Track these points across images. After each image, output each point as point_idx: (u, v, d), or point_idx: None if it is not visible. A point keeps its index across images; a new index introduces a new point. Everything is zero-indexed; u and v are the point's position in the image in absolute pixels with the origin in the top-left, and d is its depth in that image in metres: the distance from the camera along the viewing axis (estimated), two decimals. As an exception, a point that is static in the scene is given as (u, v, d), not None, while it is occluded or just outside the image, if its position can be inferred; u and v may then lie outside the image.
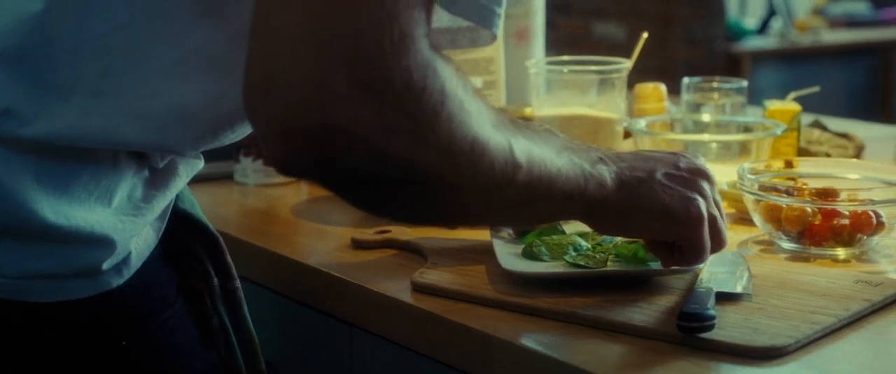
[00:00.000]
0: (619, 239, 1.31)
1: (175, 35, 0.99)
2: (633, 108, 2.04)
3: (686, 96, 2.02)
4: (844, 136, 2.05)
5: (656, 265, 1.26)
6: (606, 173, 1.11)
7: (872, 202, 1.43)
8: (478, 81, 1.97)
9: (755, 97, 5.82)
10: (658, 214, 1.14)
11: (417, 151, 0.89)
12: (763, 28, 6.21)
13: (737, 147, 1.77)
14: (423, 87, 0.87)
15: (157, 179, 1.11)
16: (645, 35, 1.88)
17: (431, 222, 1.27)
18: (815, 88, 2.04)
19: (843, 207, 1.43)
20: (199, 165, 1.17)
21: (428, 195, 0.95)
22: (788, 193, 1.45)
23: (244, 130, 1.12)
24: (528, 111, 1.86)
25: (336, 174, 0.89)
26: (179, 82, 1.01)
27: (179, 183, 1.14)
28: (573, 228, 1.34)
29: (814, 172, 1.60)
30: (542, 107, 1.77)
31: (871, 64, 6.22)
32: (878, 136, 2.28)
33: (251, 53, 0.87)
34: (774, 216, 1.45)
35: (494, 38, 1.03)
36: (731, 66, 5.88)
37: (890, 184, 1.50)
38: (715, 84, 2.02)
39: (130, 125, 1.03)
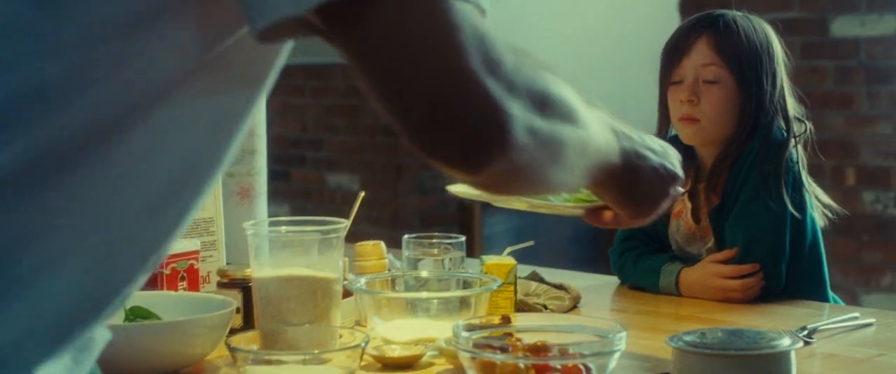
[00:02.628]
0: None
1: None
2: (354, 265, 2.05)
3: (406, 252, 2.05)
4: (561, 287, 2.11)
5: None
6: (618, 148, 1.31)
7: (582, 356, 1.47)
8: (197, 243, 1.95)
9: (487, 245, 5.94)
10: (638, 198, 1.41)
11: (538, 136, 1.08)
12: (492, 177, 6.38)
13: (456, 302, 1.80)
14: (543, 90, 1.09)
15: None
16: (361, 194, 1.90)
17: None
18: (530, 243, 2.11)
19: (555, 361, 1.46)
20: None
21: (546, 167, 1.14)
22: (503, 349, 1.48)
23: None
24: (247, 272, 1.85)
25: (483, 164, 1.05)
26: None
27: None
28: None
29: (529, 326, 1.64)
30: (263, 268, 1.76)
31: (595, 210, 6.45)
32: (596, 285, 2.35)
33: (421, 112, 1.01)
34: (489, 372, 1.47)
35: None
36: (463, 214, 6.00)
37: (600, 336, 1.55)
38: (434, 240, 2.06)
39: None
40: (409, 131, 1.02)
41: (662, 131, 2.33)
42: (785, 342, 1.44)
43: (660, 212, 1.46)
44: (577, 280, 2.26)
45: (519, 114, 1.04)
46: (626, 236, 2.37)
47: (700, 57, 2.23)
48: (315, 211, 5.43)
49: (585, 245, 6.34)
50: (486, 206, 6.09)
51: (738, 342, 1.44)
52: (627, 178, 1.35)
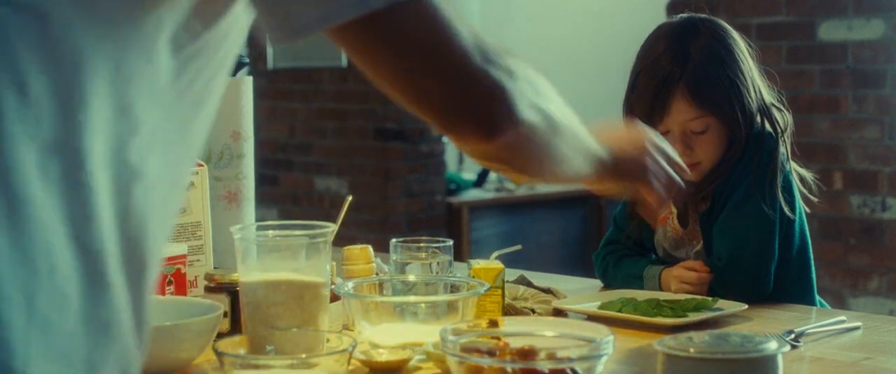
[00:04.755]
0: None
1: None
2: (342, 269, 2.05)
3: (393, 256, 2.05)
4: (548, 291, 2.11)
5: None
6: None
7: (570, 360, 1.47)
8: (184, 247, 1.95)
9: (475, 249, 5.93)
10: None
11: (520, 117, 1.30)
12: (481, 180, 6.38)
13: (444, 306, 1.80)
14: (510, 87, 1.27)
15: None
16: (349, 198, 1.90)
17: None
18: (517, 247, 2.11)
19: (543, 365, 1.46)
20: None
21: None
22: (490, 353, 1.48)
23: None
24: (235, 276, 1.84)
25: (496, 133, 1.27)
26: None
27: None
28: None
29: (516, 330, 1.63)
30: (250, 272, 1.76)
31: (584, 213, 6.45)
32: (583, 288, 2.35)
33: (440, 100, 1.23)
34: (477, 377, 1.47)
35: None
36: (451, 218, 6.00)
37: (588, 340, 1.55)
38: (422, 244, 2.05)
39: None
40: (433, 116, 1.25)
41: None
42: (772, 345, 1.44)
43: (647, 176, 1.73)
44: (565, 284, 2.26)
45: (518, 92, 1.26)
46: (608, 241, 2.37)
47: (681, 114, 2.21)
48: (303, 215, 5.42)
49: (572, 249, 6.35)
50: (474, 208, 6.10)
51: (726, 345, 1.44)
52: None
